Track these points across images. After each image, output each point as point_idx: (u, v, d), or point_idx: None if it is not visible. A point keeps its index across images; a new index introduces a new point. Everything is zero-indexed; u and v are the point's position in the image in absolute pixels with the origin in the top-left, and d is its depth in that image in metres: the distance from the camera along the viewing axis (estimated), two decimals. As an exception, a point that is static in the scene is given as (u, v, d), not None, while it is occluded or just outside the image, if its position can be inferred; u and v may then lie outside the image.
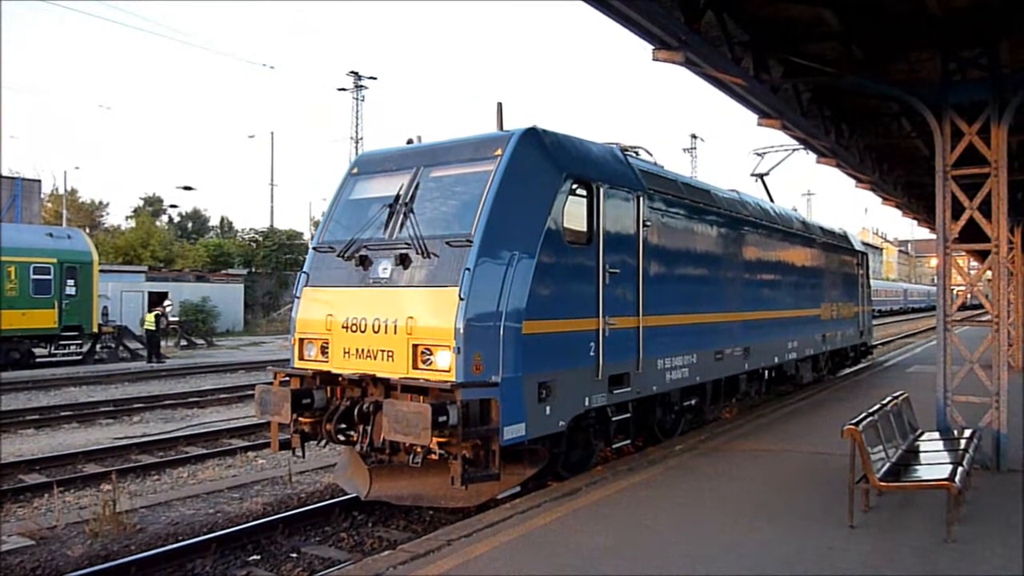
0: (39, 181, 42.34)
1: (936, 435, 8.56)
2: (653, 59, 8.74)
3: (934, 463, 7.27)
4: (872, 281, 23.15)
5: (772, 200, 17.05)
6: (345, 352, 7.82)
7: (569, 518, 6.91)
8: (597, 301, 8.29)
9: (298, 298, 8.47)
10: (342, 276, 8.09)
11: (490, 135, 8.12)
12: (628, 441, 9.33)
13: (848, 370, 20.39)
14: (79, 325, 25.86)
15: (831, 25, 8.49)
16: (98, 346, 27.08)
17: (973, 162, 8.90)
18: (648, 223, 9.39)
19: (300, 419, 7.69)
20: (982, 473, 8.28)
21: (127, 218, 70.05)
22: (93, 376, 22.36)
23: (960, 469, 6.65)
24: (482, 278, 7.06)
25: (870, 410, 7.29)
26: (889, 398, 8.10)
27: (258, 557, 7.39)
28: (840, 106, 12.54)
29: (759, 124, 13.72)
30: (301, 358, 8.32)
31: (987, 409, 8.79)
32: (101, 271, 29.02)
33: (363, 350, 7.66)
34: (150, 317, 27.39)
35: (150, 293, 38.23)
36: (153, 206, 71.94)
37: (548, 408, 7.55)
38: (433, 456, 6.87)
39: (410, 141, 8.99)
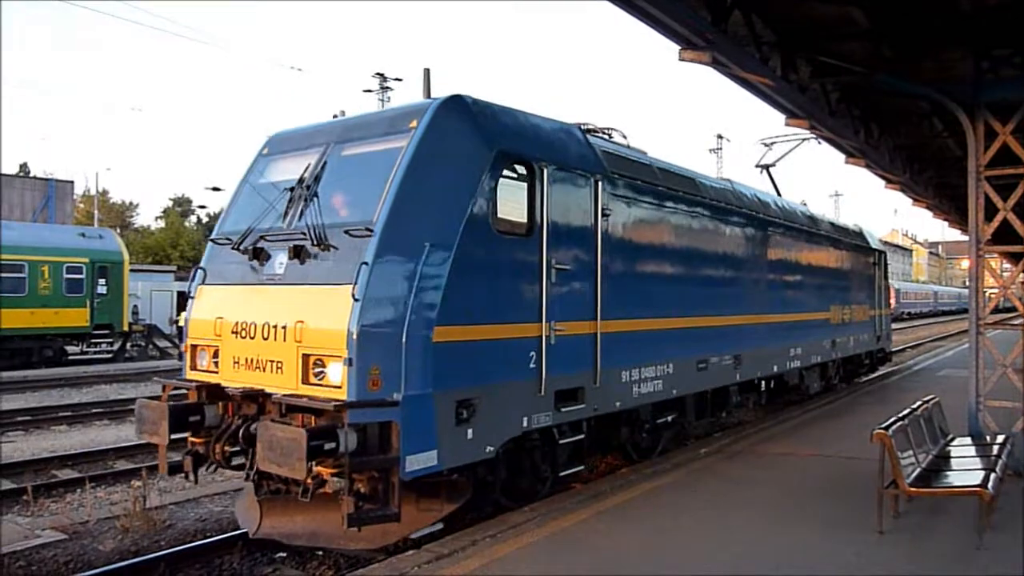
0: (72, 182, 43.16)
1: (968, 440, 8.42)
2: (679, 59, 8.69)
3: (966, 469, 7.16)
4: (901, 283, 22.53)
5: (779, 193, 15.90)
6: (235, 362, 6.64)
7: (593, 520, 6.88)
8: (540, 303, 7.06)
9: (192, 297, 7.30)
10: (236, 272, 6.94)
11: (408, 105, 6.99)
12: (581, 468, 7.97)
13: (868, 376, 19.42)
14: (110, 324, 26.28)
15: (860, 24, 8.39)
16: (128, 344, 27.53)
17: (1007, 162, 8.75)
18: (608, 212, 8.10)
19: (192, 439, 6.71)
20: (1014, 479, 8.13)
21: (156, 218, 71.14)
22: (124, 374, 22.72)
23: (993, 475, 6.54)
24: (383, 275, 5.92)
25: (900, 414, 7.18)
26: (920, 402, 7.98)
27: (284, 555, 7.45)
28: (869, 105, 12.38)
29: (787, 124, 13.59)
30: (193, 368, 7.14)
31: (1020, 414, 8.63)
32: (131, 271, 29.46)
33: (252, 360, 6.49)
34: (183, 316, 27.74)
35: (179, 293, 38.76)
36: (182, 207, 72.91)
37: (470, 431, 6.33)
38: (326, 489, 5.91)
39: (336, 116, 7.79)
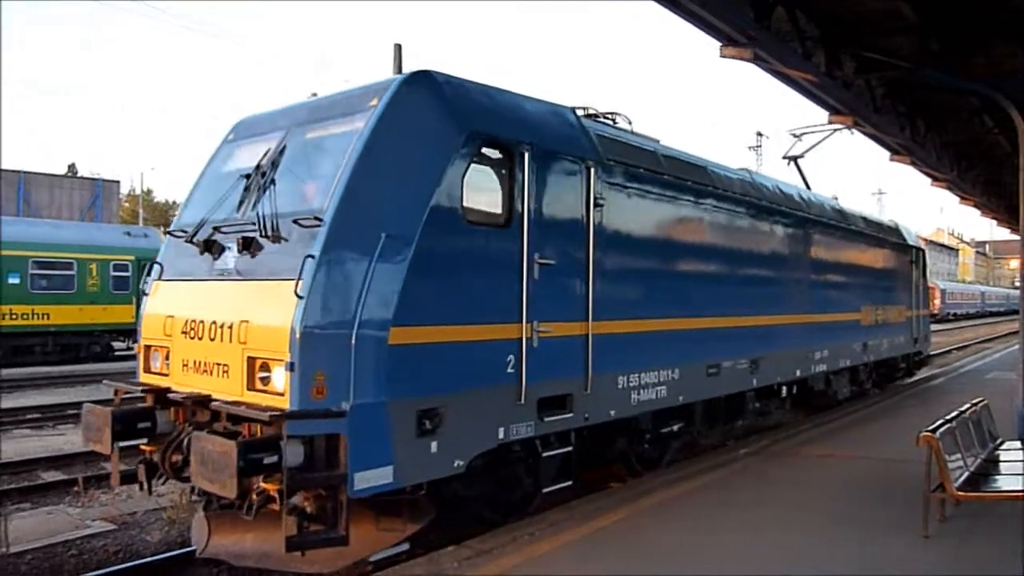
0: (117, 182, 44.28)
1: (1017, 444, 8.20)
2: (720, 56, 8.64)
3: (1015, 473, 6.99)
4: (947, 283, 21.83)
5: (808, 186, 15.06)
6: (184, 364, 6.12)
7: (632, 519, 6.85)
8: (519, 301, 6.41)
9: (147, 295, 6.77)
10: (190, 267, 6.41)
11: (373, 83, 6.30)
12: (568, 483, 7.20)
13: (909, 379, 18.71)
14: (155, 320, 26.82)
15: (907, 18, 8.25)
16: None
17: (1060, 159, 8.52)
18: (602, 201, 7.37)
19: (144, 447, 6.26)
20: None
21: (199, 217, 72.31)
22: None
23: (1044, 480, 6.37)
24: (331, 269, 5.35)
25: (947, 417, 7.04)
26: (967, 405, 7.81)
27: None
28: (916, 102, 12.16)
29: (829, 121, 13.41)
30: (147, 370, 6.59)
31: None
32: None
33: (200, 362, 5.96)
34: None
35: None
36: (223, 205, 73.93)
37: (435, 444, 5.71)
38: (274, 507, 5.28)
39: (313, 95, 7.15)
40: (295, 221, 5.55)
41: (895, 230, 17.30)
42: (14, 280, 22.79)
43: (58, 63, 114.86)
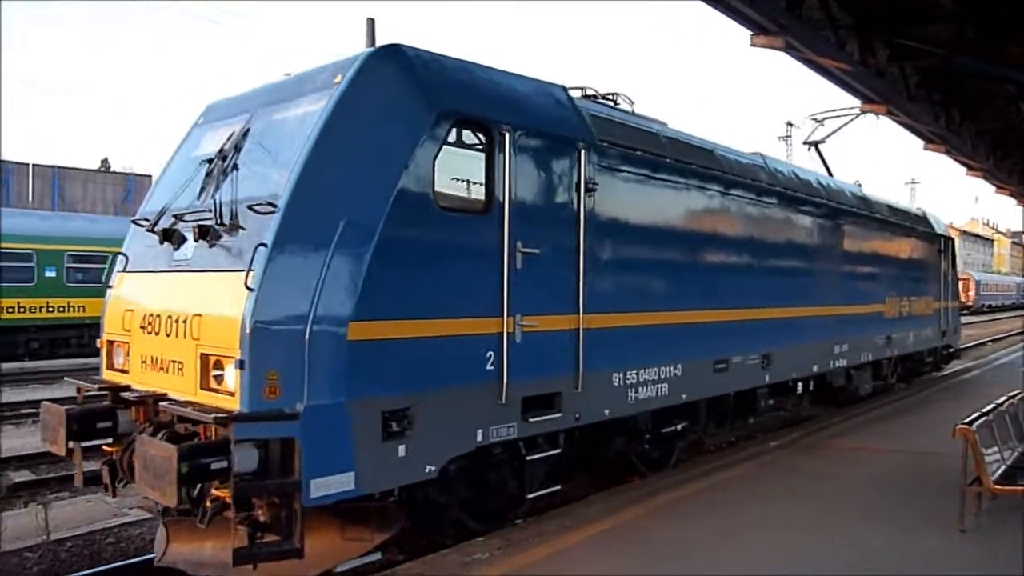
0: (150, 176, 44.84)
1: (1056, 438, 8.06)
2: (751, 45, 8.56)
3: (1053, 467, 6.86)
4: (982, 274, 21.27)
5: (830, 172, 14.55)
6: (142, 361, 5.84)
7: (661, 510, 6.85)
8: (500, 293, 5.99)
9: (110, 287, 6.53)
10: (151, 257, 6.11)
11: (341, 59, 5.89)
12: (556, 487, 6.82)
13: (943, 371, 18.28)
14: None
15: (944, 6, 8.11)
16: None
17: (1102, 147, 8.32)
18: (595, 186, 6.91)
19: (107, 447, 5.98)
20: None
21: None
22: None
23: (1083, 474, 6.26)
24: (286, 259, 5.00)
25: (983, 409, 6.93)
26: (1004, 398, 7.68)
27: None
28: (950, 90, 11.94)
29: (861, 110, 13.24)
30: (110, 367, 6.30)
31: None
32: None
33: (157, 359, 5.67)
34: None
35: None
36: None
37: (403, 448, 5.31)
38: (229, 513, 4.91)
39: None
40: (250, 207, 5.18)
41: (922, 218, 16.72)
42: (51, 273, 23.24)
43: (86, 61, 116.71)
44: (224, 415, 4.76)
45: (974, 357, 24.20)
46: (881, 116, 13.90)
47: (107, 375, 6.33)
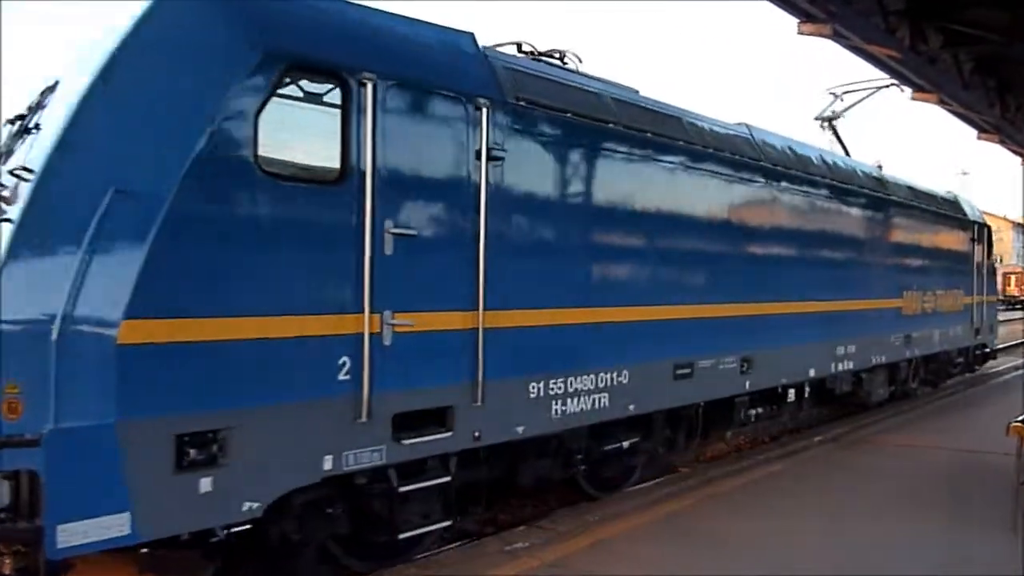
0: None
1: (1114, 437, 7.81)
2: (798, 33, 8.35)
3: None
4: None
5: (847, 152, 13.31)
6: None
7: (704, 505, 6.85)
8: (360, 284, 4.83)
9: None
10: None
11: None
12: (446, 523, 5.65)
13: (993, 368, 17.16)
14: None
15: (1000, -11, 7.84)
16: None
17: None
18: (503, 153, 5.68)
19: None
20: None
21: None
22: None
23: None
24: (32, 239, 4.01)
25: (1038, 407, 6.75)
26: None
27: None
28: (1005, 77, 11.57)
29: (912, 99, 12.87)
30: None
31: None
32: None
33: None
34: None
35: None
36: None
37: (208, 481, 4.21)
38: None
39: None
40: (12, 172, 4.23)
41: (952, 203, 14.94)
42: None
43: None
44: None
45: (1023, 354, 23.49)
46: (931, 104, 13.51)
47: None
